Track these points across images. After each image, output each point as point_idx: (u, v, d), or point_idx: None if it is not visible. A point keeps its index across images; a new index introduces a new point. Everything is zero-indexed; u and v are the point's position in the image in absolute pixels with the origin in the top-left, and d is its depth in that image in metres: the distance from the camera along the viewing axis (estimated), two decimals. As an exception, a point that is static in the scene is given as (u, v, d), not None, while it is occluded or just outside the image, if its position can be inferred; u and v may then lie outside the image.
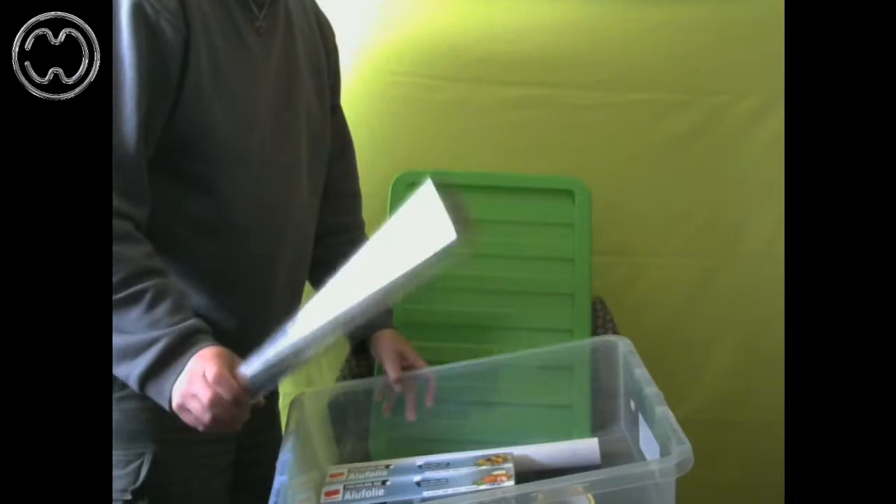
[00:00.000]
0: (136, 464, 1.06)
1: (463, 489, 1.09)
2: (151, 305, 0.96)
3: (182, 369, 0.96)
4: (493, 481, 1.10)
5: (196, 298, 1.08)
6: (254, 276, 1.14)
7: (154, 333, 0.95)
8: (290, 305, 1.21)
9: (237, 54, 1.08)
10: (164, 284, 0.99)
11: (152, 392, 0.97)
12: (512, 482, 1.09)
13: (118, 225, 0.96)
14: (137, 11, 0.95)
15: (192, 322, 0.99)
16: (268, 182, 1.13)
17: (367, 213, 1.41)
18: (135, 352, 0.95)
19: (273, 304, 1.17)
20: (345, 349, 1.43)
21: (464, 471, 1.14)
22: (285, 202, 1.17)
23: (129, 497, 1.06)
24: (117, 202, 0.96)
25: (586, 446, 1.18)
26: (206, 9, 1.03)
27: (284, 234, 1.17)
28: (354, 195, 1.40)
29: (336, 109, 1.33)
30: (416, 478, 1.14)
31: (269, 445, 1.17)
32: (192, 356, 0.96)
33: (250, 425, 1.21)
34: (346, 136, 1.37)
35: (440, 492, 1.09)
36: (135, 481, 1.06)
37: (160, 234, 1.03)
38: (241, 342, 1.14)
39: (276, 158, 1.14)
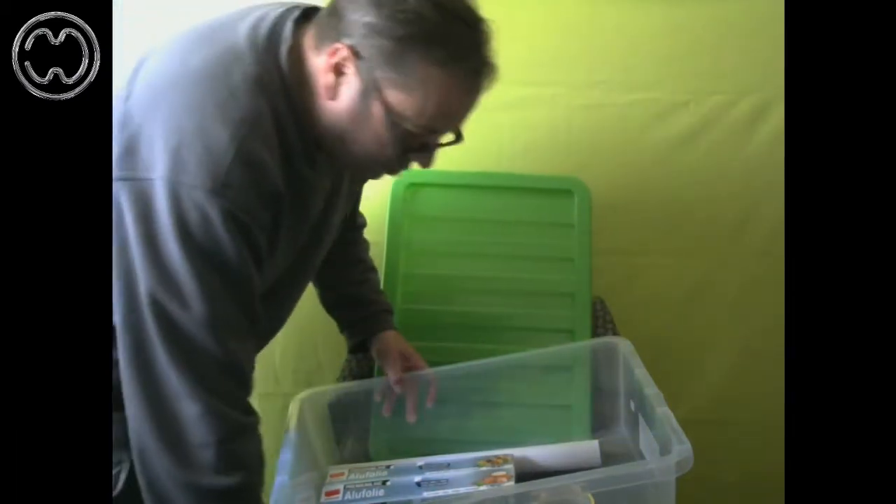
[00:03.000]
0: (115, 471, 1.04)
1: (463, 490, 1.09)
2: None
3: None
4: (494, 482, 1.10)
5: None
6: (281, 312, 1.17)
7: None
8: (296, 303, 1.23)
9: (302, 227, 1.04)
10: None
11: None
12: (512, 483, 1.09)
13: (250, 422, 0.97)
14: (231, 218, 0.89)
15: None
16: (293, 288, 1.14)
17: (367, 213, 1.41)
18: None
19: (288, 314, 1.19)
20: (345, 350, 1.43)
21: (464, 472, 1.14)
22: (303, 285, 1.18)
23: None
24: (244, 395, 0.97)
25: (587, 448, 1.18)
26: (290, 205, 0.97)
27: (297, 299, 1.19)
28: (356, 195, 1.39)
29: None
30: (417, 478, 1.14)
31: None
32: None
33: None
34: None
35: (440, 492, 1.09)
36: (112, 489, 1.05)
37: None
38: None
39: (304, 269, 1.14)
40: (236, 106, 0.90)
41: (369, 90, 0.92)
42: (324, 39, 0.94)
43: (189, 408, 0.91)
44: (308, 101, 0.95)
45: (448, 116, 0.96)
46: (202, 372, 0.92)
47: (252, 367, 1.01)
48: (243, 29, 0.95)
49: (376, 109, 0.92)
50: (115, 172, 0.89)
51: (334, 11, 0.94)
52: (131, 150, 0.90)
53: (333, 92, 0.94)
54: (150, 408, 0.92)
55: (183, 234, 0.88)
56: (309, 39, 0.96)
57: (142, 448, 0.93)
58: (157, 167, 0.88)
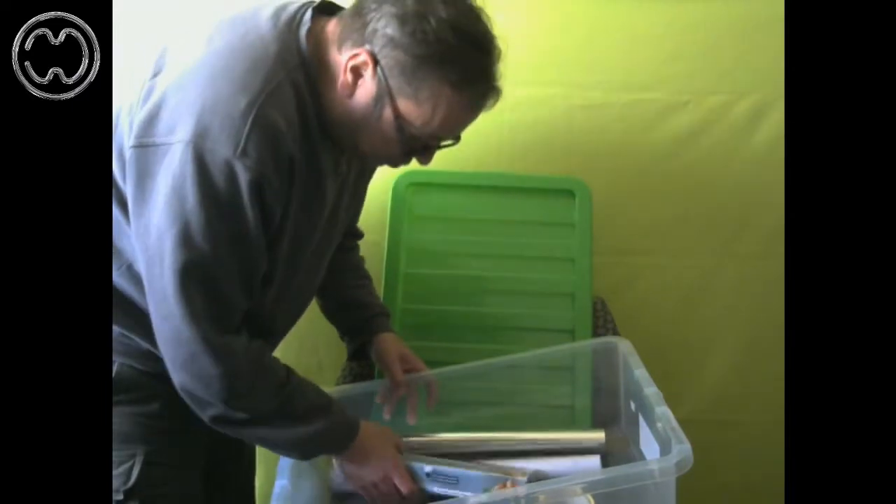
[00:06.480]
0: (128, 465, 1.06)
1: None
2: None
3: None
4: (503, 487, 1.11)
5: None
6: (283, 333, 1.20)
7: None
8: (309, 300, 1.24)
9: (316, 207, 1.06)
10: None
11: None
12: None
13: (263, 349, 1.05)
14: (252, 181, 0.93)
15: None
16: (307, 284, 1.16)
17: (367, 213, 1.41)
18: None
19: (301, 310, 1.22)
20: (345, 350, 1.43)
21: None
22: (315, 284, 1.20)
23: (120, 497, 1.06)
24: (240, 330, 1.01)
25: (588, 463, 1.19)
26: (304, 176, 1.00)
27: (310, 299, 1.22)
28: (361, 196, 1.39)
29: None
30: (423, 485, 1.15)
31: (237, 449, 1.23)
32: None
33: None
34: None
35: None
36: (126, 482, 1.06)
37: None
38: None
39: (317, 264, 1.16)
40: (256, 77, 0.95)
41: (383, 96, 0.98)
42: (346, 39, 0.99)
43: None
44: (324, 86, 1.00)
45: (451, 128, 1.03)
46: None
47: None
48: (265, 14, 1.01)
49: (387, 114, 0.98)
50: (134, 140, 0.96)
51: (359, 14, 0.98)
52: (152, 119, 0.95)
53: (350, 90, 0.99)
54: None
55: (206, 192, 0.93)
56: (330, 31, 1.01)
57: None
58: (178, 132, 0.93)
